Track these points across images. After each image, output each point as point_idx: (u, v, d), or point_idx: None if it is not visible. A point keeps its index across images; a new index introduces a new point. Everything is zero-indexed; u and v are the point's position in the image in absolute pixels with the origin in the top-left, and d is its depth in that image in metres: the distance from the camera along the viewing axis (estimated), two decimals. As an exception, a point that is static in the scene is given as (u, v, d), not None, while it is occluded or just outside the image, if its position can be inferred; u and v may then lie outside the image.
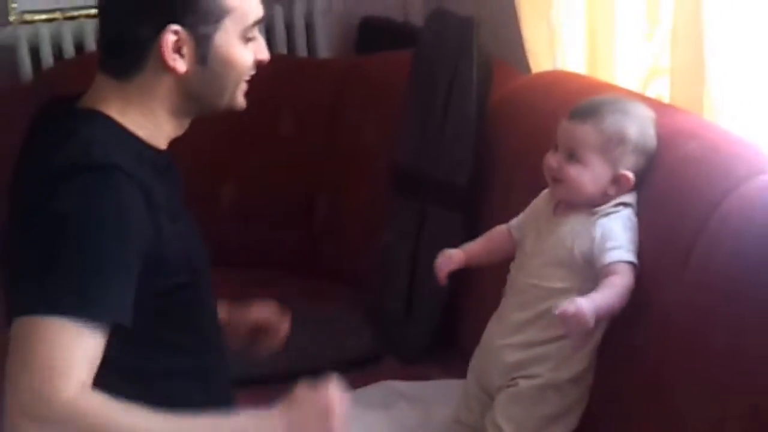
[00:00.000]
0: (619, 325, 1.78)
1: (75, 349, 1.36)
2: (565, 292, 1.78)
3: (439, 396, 2.17)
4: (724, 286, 1.59)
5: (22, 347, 1.35)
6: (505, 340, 1.87)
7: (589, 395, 1.84)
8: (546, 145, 1.88)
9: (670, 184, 1.79)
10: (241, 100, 1.62)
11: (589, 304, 1.62)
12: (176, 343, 1.59)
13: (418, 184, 2.45)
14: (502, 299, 1.93)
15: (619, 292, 1.69)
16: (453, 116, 2.37)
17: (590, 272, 1.75)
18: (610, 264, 1.71)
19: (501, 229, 2.00)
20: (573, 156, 1.79)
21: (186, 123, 1.62)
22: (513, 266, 1.92)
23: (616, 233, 1.74)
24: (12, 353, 1.35)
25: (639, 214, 1.80)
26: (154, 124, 1.56)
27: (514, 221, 1.97)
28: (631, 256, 1.72)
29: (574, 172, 1.79)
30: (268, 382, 2.29)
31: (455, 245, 2.21)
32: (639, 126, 1.80)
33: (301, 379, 2.29)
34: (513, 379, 1.84)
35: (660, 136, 1.83)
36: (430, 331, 2.42)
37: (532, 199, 1.97)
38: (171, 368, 1.58)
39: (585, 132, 1.78)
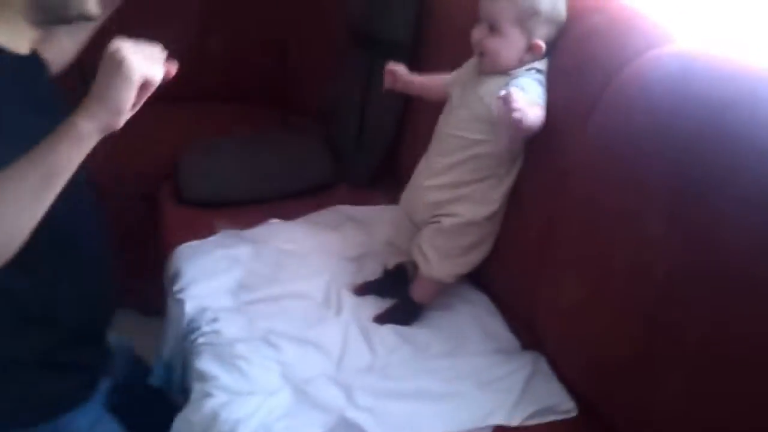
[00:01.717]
0: (529, 172, 1.59)
1: None
2: (482, 143, 1.58)
3: (379, 219, 1.98)
4: (616, 151, 1.38)
5: None
6: (429, 181, 1.66)
7: (501, 226, 1.65)
8: (473, 13, 1.61)
9: (575, 54, 1.54)
10: (91, 8, 1.26)
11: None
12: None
13: (368, 39, 2.17)
14: (430, 145, 1.70)
15: (536, 113, 1.44)
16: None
17: (503, 127, 1.50)
18: None
19: (440, 79, 1.74)
20: (493, 28, 1.54)
21: (48, 32, 1.30)
22: (440, 118, 1.69)
23: (526, 86, 1.50)
24: None
25: (548, 79, 1.55)
26: (13, 31, 1.22)
27: (448, 77, 1.72)
28: (539, 100, 1.49)
29: (493, 43, 1.54)
30: (240, 204, 2.10)
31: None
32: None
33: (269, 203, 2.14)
34: (436, 215, 1.64)
35: (569, 9, 1.57)
36: (375, 163, 2.20)
37: (459, 58, 1.71)
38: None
39: (502, 6, 1.52)
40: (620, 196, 1.35)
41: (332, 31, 2.42)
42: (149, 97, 1.13)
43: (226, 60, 2.65)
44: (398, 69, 1.73)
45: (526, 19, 1.52)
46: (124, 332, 2.41)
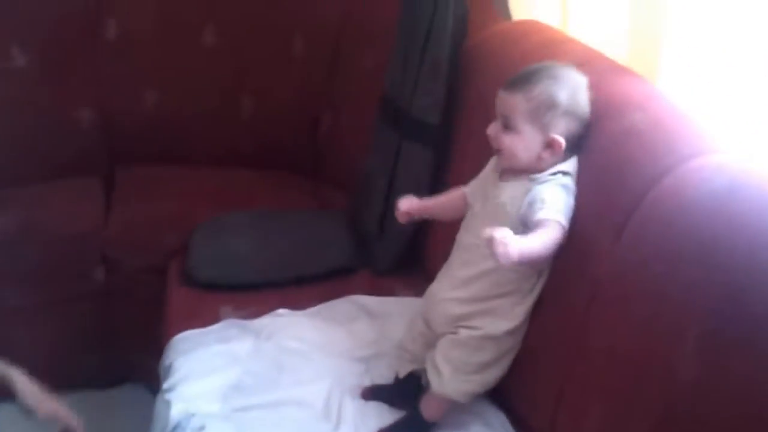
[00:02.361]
0: (555, 286, 1.45)
1: None
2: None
3: (397, 313, 1.84)
4: (650, 267, 1.24)
5: None
6: (449, 293, 1.53)
7: (522, 344, 1.50)
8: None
9: (611, 155, 1.41)
10: None
11: (515, 240, 1.28)
12: None
13: (398, 117, 2.05)
14: (451, 254, 1.57)
15: (543, 241, 1.35)
16: (429, 59, 1.94)
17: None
18: (538, 219, 1.36)
19: (459, 191, 1.63)
20: (507, 124, 1.43)
21: None
22: (462, 225, 1.57)
23: (548, 197, 1.39)
24: None
25: (579, 182, 1.42)
26: None
27: (468, 186, 1.61)
28: (559, 216, 1.37)
29: (508, 140, 1.44)
30: (251, 288, 1.97)
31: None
32: (569, 91, 1.42)
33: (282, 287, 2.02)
34: (456, 327, 1.50)
35: (607, 105, 1.46)
36: (399, 250, 2.06)
37: (485, 144, 1.57)
38: None
39: (516, 101, 1.42)
40: (650, 325, 1.20)
41: (368, 105, 2.31)
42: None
43: (257, 126, 2.58)
44: (409, 204, 1.63)
45: (541, 114, 1.41)
46: (131, 408, 2.34)
